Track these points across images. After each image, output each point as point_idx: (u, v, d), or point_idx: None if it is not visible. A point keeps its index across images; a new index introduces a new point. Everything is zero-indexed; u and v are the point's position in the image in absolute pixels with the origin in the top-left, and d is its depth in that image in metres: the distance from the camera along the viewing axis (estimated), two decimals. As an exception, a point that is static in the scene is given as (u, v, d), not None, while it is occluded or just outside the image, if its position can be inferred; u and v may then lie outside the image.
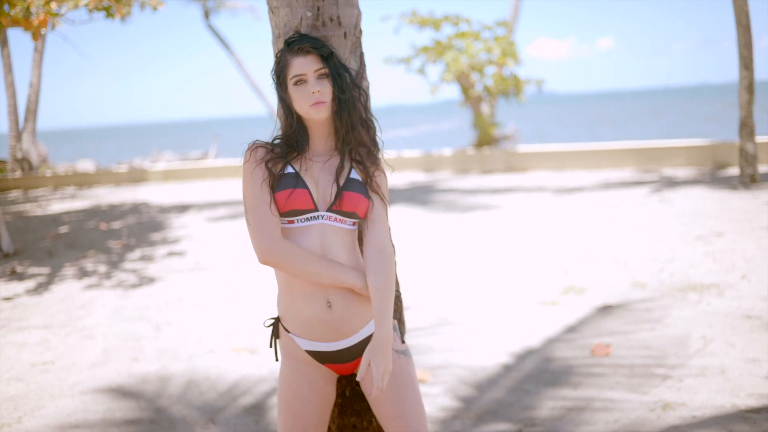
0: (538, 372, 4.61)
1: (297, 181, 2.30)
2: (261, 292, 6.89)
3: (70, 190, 19.69)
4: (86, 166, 26.32)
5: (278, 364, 3.50)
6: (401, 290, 2.95)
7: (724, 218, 8.72)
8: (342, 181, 2.32)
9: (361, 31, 2.68)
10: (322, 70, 2.29)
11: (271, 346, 2.48)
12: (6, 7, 9.59)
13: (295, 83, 2.30)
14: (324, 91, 2.28)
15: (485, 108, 21.67)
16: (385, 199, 2.43)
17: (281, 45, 2.50)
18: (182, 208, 13.80)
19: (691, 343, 4.84)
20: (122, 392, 4.70)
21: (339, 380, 2.69)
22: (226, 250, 9.28)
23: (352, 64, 2.64)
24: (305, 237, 2.30)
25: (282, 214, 2.31)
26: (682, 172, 13.40)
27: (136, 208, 14.41)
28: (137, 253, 9.53)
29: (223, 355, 5.33)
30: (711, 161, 13.95)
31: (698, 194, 10.66)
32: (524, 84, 20.53)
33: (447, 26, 20.52)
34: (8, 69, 20.75)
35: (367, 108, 2.43)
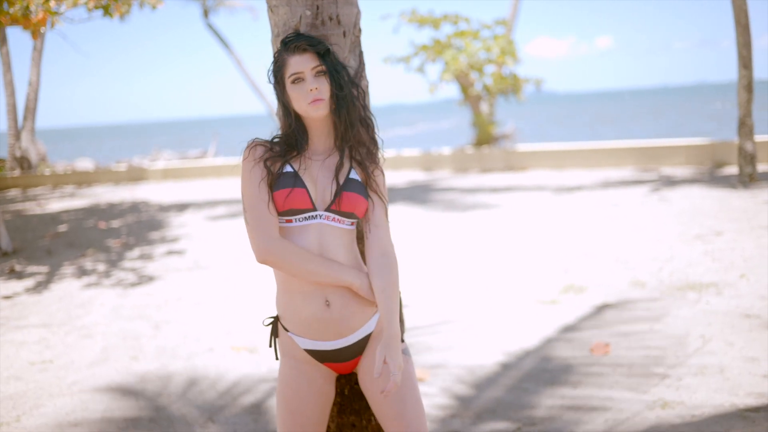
0: (537, 371, 4.61)
1: (295, 180, 2.29)
2: (260, 291, 6.89)
3: (69, 188, 19.68)
4: (85, 164, 26.32)
5: (277, 363, 3.51)
6: (400, 289, 2.95)
7: (723, 217, 8.72)
8: (341, 181, 2.32)
9: (360, 30, 2.68)
10: (320, 68, 2.29)
11: (270, 345, 2.48)
12: (5, 5, 9.59)
13: (293, 81, 2.29)
14: (322, 88, 2.28)
15: (484, 107, 21.67)
16: (385, 199, 2.43)
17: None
18: (181, 207, 13.80)
19: (690, 342, 4.84)
20: (121, 391, 4.70)
21: (338, 379, 2.69)
22: (225, 248, 9.28)
23: (352, 63, 2.64)
24: (303, 236, 2.30)
25: (280, 213, 2.31)
26: (681, 171, 13.41)
27: (135, 207, 14.40)
28: (136, 251, 9.53)
29: (222, 353, 5.33)
30: (710, 160, 13.96)
31: (697, 193, 10.67)
32: (523, 83, 20.54)
33: (446, 25, 20.52)
34: (7, 67, 20.73)
35: (365, 106, 2.43)
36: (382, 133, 2.48)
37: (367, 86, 2.72)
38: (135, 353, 5.44)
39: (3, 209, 15.31)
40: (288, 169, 2.31)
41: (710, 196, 10.27)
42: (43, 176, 21.02)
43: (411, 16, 20.43)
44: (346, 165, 2.36)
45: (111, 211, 14.05)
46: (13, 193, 19.50)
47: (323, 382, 2.43)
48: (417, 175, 16.69)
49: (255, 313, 6.19)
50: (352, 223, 2.36)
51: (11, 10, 9.65)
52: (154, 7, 12.95)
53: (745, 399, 3.93)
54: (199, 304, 6.74)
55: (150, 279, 7.86)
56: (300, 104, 2.30)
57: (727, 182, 11.43)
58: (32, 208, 15.48)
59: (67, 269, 8.60)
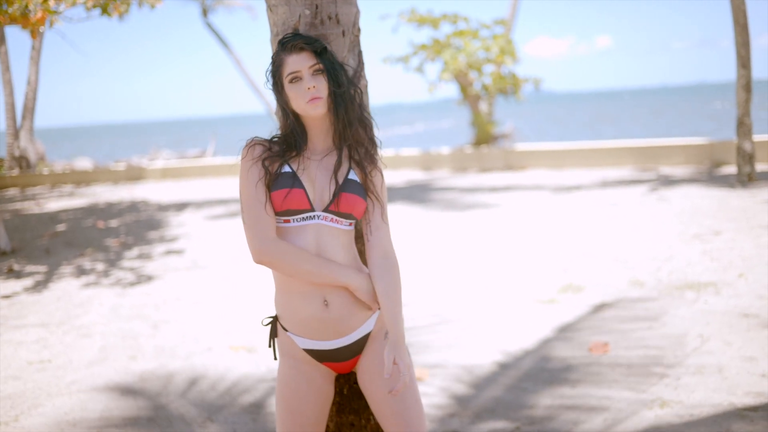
0: (536, 370, 4.61)
1: (294, 181, 2.29)
2: (259, 290, 6.89)
3: (68, 188, 19.67)
4: (84, 164, 26.30)
5: (276, 363, 3.51)
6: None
7: (721, 217, 8.73)
8: (340, 181, 2.32)
9: (359, 30, 2.68)
10: (317, 66, 2.29)
11: (269, 345, 2.48)
12: (4, 5, 9.58)
13: (291, 81, 2.29)
14: (319, 86, 2.28)
15: (483, 106, 21.68)
16: (384, 201, 2.44)
17: (280, 43, 2.50)
18: (180, 207, 13.80)
19: (689, 341, 4.85)
20: (120, 391, 4.70)
21: (337, 378, 2.70)
22: (224, 248, 9.27)
23: (351, 63, 2.64)
24: (301, 236, 2.30)
25: (278, 213, 2.31)
26: (680, 171, 13.42)
27: (134, 206, 14.40)
28: (135, 251, 9.53)
29: (221, 353, 5.33)
30: (709, 160, 13.97)
31: (696, 193, 10.67)
32: (522, 82, 20.55)
33: (445, 25, 20.53)
34: (6, 67, 20.71)
35: (363, 105, 2.43)
36: (381, 133, 2.48)
37: (366, 86, 2.72)
38: (133, 353, 5.44)
39: (2, 208, 15.30)
40: (286, 169, 2.31)
41: (709, 196, 10.28)
42: (42, 175, 21.01)
43: (410, 16, 20.44)
44: (345, 165, 2.36)
45: (110, 210, 14.05)
46: (12, 192, 19.50)
47: (322, 381, 2.43)
48: (416, 175, 16.70)
49: (254, 313, 6.19)
50: (350, 224, 2.36)
51: (10, 10, 9.64)
52: (152, 6, 12.94)
53: (743, 398, 3.93)
54: (197, 304, 6.74)
55: (149, 278, 7.86)
56: (298, 103, 2.29)
57: (725, 182, 11.44)
58: (31, 207, 15.48)
59: (66, 269, 8.60)
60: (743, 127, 10.97)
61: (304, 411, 2.40)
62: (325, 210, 2.30)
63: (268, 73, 2.37)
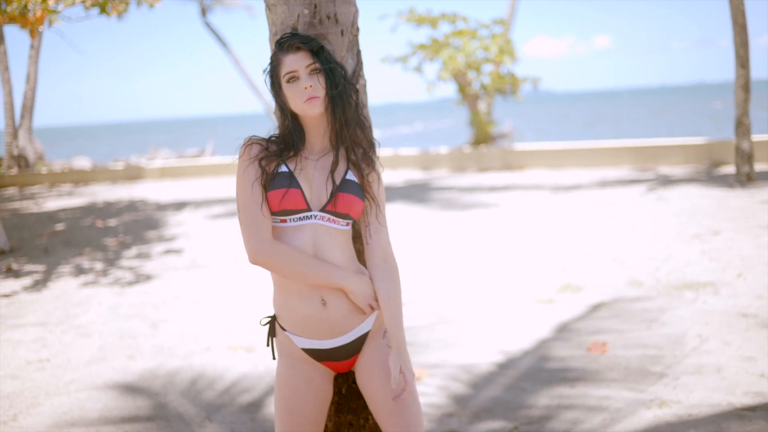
0: (535, 370, 4.61)
1: (291, 181, 2.29)
2: (258, 290, 6.89)
3: (67, 187, 19.66)
4: (83, 163, 26.30)
5: (275, 362, 3.51)
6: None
7: (720, 217, 8.73)
8: (338, 182, 2.32)
9: (358, 29, 2.68)
10: (314, 65, 2.28)
11: (268, 345, 2.48)
12: (3, 4, 9.58)
13: (288, 80, 2.29)
14: (316, 86, 2.27)
15: (482, 106, 21.69)
16: (382, 202, 2.44)
17: (279, 43, 2.50)
18: (179, 206, 13.79)
19: (687, 341, 4.85)
20: (118, 390, 4.70)
21: (336, 378, 2.69)
22: (223, 247, 9.27)
23: (350, 62, 2.63)
24: (298, 236, 2.30)
25: (275, 213, 2.31)
26: (678, 171, 13.42)
27: (132, 206, 14.39)
28: (134, 250, 9.52)
29: (219, 353, 5.33)
30: (708, 160, 13.98)
31: (695, 193, 10.68)
32: (521, 82, 20.57)
33: (444, 24, 20.54)
34: (5, 66, 20.70)
35: (360, 104, 2.43)
36: (379, 132, 2.48)
37: (365, 85, 2.72)
38: (132, 352, 5.43)
39: (0, 208, 15.30)
40: (283, 168, 2.30)
41: (708, 196, 10.29)
42: (41, 175, 21.00)
43: (409, 16, 20.44)
44: (342, 165, 2.35)
45: (108, 209, 14.04)
46: (11, 191, 19.48)
47: (321, 381, 2.43)
48: (415, 174, 16.70)
49: (253, 313, 6.19)
50: (347, 224, 2.35)
51: (9, 9, 9.64)
52: (151, 6, 12.94)
53: (742, 398, 3.93)
54: (196, 303, 6.74)
55: (147, 278, 7.86)
56: (296, 103, 2.29)
57: (724, 182, 11.45)
58: (29, 206, 15.47)
59: (65, 268, 8.60)
60: (742, 126, 10.98)
61: (303, 410, 2.40)
62: (322, 210, 2.30)
63: (265, 72, 2.37)
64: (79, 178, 20.71)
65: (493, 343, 5.14)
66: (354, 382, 2.70)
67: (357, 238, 2.62)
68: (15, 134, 21.38)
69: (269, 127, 2.45)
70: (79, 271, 8.39)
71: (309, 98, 2.27)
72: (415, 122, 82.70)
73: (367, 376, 2.39)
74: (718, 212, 9.02)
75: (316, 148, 2.37)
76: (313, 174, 2.33)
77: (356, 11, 2.67)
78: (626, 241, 7.99)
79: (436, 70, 20.04)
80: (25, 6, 9.78)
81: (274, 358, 2.50)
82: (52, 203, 15.71)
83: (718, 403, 3.89)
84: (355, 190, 2.33)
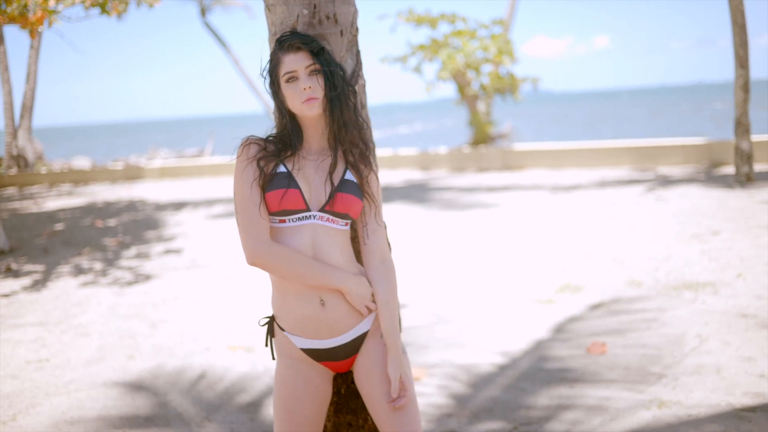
0: (534, 370, 4.61)
1: (289, 181, 2.28)
2: (258, 290, 6.89)
3: (66, 187, 19.65)
4: (82, 163, 26.29)
5: (274, 362, 3.50)
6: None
7: (720, 217, 8.73)
8: (336, 182, 2.32)
9: (357, 29, 2.68)
10: (313, 66, 2.28)
11: (266, 345, 2.48)
12: (3, 4, 9.57)
13: (287, 80, 2.28)
14: (315, 87, 2.27)
15: (481, 106, 21.70)
16: (379, 203, 2.43)
17: (278, 43, 2.50)
18: (178, 206, 13.79)
19: (687, 341, 4.85)
20: (118, 390, 4.69)
21: (335, 378, 2.69)
22: (222, 247, 9.27)
23: (349, 63, 2.63)
24: (296, 236, 2.30)
25: (273, 214, 2.30)
26: (678, 171, 13.43)
27: (132, 206, 14.39)
28: (133, 250, 9.52)
29: (219, 353, 5.33)
30: (707, 160, 13.98)
31: (694, 193, 10.68)
32: (520, 82, 20.58)
33: (443, 24, 20.55)
34: (4, 66, 20.70)
35: (358, 106, 2.42)
36: (379, 132, 2.48)
37: (364, 86, 2.71)
38: (132, 352, 5.43)
39: (0, 207, 15.31)
40: (282, 169, 2.30)
41: (707, 196, 10.29)
42: (40, 175, 20.99)
43: (408, 16, 20.45)
44: (341, 165, 2.35)
45: (108, 209, 14.04)
46: (10, 191, 19.48)
47: (320, 381, 2.43)
48: (414, 174, 16.70)
49: (252, 312, 6.19)
50: (346, 224, 2.35)
51: (9, 9, 9.64)
52: (151, 6, 12.95)
53: (741, 399, 3.93)
54: (196, 303, 6.74)
55: (147, 278, 7.86)
56: (294, 103, 2.29)
57: (724, 182, 11.45)
58: (29, 206, 15.46)
59: (64, 268, 8.59)
60: (741, 127, 10.98)
61: (302, 410, 2.40)
62: (321, 210, 2.30)
63: (264, 71, 2.37)
64: (79, 178, 20.71)
65: (493, 344, 5.14)
66: (353, 382, 2.70)
67: (354, 239, 2.62)
68: (14, 134, 21.38)
69: (268, 127, 2.45)
70: (79, 271, 8.39)
71: (308, 99, 2.26)
72: (415, 122, 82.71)
73: (365, 376, 2.39)
74: (718, 212, 9.02)
75: (313, 148, 2.37)
76: (312, 174, 2.32)
77: (355, 11, 2.67)
78: (626, 241, 7.99)
79: (436, 70, 20.05)
80: (25, 6, 9.77)
81: (273, 359, 2.50)
82: (52, 203, 15.70)
83: (717, 404, 3.89)
84: (353, 190, 2.33)
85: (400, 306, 2.21)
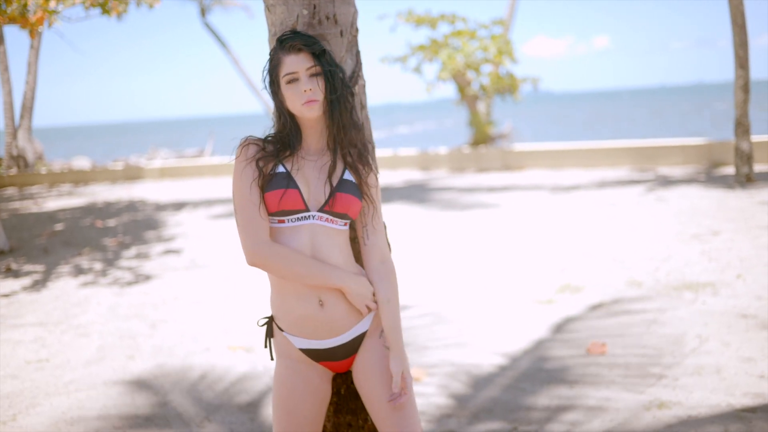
0: (534, 371, 4.61)
1: (288, 181, 2.28)
2: (257, 290, 6.89)
3: (66, 187, 19.65)
4: (82, 163, 26.29)
5: (274, 363, 3.51)
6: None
7: (720, 217, 8.73)
8: (335, 182, 2.31)
9: (357, 30, 2.68)
10: (314, 68, 2.27)
11: (265, 346, 2.48)
12: (3, 5, 9.58)
13: (288, 81, 2.28)
14: (316, 89, 2.26)
15: (481, 106, 21.70)
16: (379, 203, 2.43)
17: (277, 43, 2.49)
18: (178, 206, 13.79)
19: (687, 342, 4.85)
20: (118, 390, 4.69)
21: (334, 378, 2.69)
22: (222, 247, 9.27)
23: (349, 63, 2.63)
24: (296, 237, 2.30)
25: (273, 214, 2.30)
26: (678, 171, 13.43)
27: (131, 206, 14.39)
28: (133, 250, 9.52)
29: (219, 353, 5.33)
30: (707, 160, 13.98)
31: (694, 193, 10.68)
32: (520, 82, 20.57)
33: (443, 25, 20.54)
34: (4, 66, 20.70)
35: (356, 108, 2.42)
36: (378, 133, 2.48)
37: (364, 86, 2.71)
38: (131, 352, 5.43)
39: (0, 208, 15.31)
40: (281, 169, 2.30)
41: (707, 196, 10.29)
42: (40, 175, 20.99)
43: (408, 16, 20.44)
44: (340, 166, 2.35)
45: (108, 209, 14.04)
46: (10, 191, 19.48)
47: (319, 381, 2.43)
48: (414, 175, 16.70)
49: (252, 313, 6.19)
50: (345, 224, 2.35)
51: (9, 9, 9.64)
52: (151, 6, 12.95)
53: (741, 399, 3.93)
54: (196, 304, 6.74)
55: (147, 278, 7.86)
56: (294, 104, 2.29)
57: (724, 182, 11.45)
58: (29, 206, 15.46)
59: (64, 268, 8.59)
60: (741, 127, 10.98)
61: (301, 411, 2.40)
62: (320, 210, 2.30)
63: (264, 70, 2.37)
64: (79, 178, 20.71)
65: (493, 344, 5.14)
66: (352, 382, 2.70)
67: (353, 240, 2.62)
68: (14, 134, 21.37)
69: (267, 127, 2.44)
70: (79, 271, 8.39)
71: (308, 101, 2.26)
72: (415, 122, 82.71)
73: (363, 376, 2.39)
74: (718, 213, 9.02)
75: (312, 148, 2.37)
76: (311, 174, 2.32)
77: (355, 12, 2.67)
78: (626, 241, 7.99)
79: (436, 70, 20.04)
80: (25, 6, 9.78)
81: (272, 359, 2.50)
82: (52, 203, 15.70)
83: (717, 404, 3.89)
84: (352, 190, 2.33)
85: (400, 307, 2.22)
